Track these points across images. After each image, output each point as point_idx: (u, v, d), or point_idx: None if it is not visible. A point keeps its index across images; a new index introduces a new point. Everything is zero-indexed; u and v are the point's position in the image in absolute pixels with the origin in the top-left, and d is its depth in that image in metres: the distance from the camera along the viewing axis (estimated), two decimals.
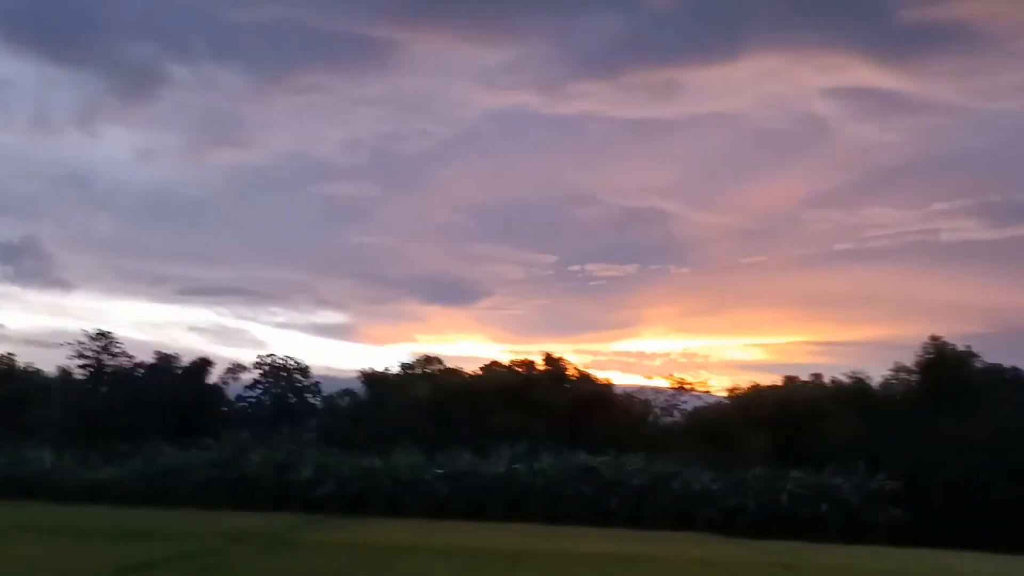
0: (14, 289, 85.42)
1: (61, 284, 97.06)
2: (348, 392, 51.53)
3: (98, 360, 41.32)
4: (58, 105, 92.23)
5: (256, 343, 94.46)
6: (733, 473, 30.50)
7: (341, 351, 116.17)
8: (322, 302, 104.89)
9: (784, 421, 33.32)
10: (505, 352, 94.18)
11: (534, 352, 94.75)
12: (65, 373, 44.57)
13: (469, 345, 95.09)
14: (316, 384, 52.40)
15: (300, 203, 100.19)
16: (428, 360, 52.87)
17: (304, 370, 51.21)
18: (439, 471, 30.97)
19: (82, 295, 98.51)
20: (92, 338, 41.30)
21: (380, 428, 42.10)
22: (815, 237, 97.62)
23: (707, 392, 49.63)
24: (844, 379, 36.84)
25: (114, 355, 41.57)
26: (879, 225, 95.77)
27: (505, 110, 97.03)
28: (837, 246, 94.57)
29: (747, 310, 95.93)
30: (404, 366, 51.38)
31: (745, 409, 36.77)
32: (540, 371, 49.56)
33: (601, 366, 51.67)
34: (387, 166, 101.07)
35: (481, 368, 48.21)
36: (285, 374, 51.86)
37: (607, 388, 48.79)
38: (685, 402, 49.54)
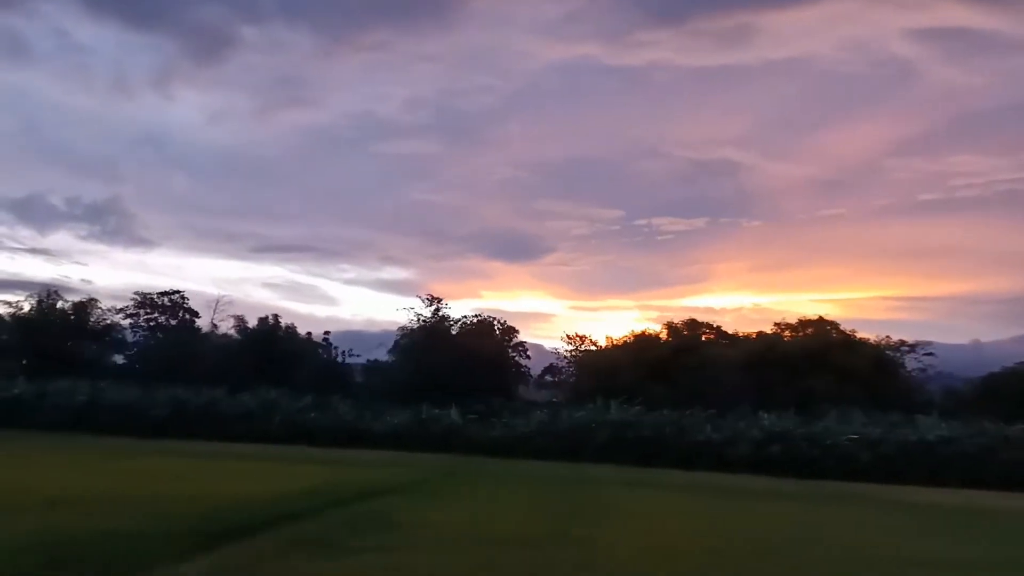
0: (101, 247, 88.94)
1: (143, 242, 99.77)
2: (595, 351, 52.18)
3: (428, 322, 42.88)
4: (135, 69, 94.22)
5: (327, 299, 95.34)
6: None
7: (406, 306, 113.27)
8: (387, 259, 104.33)
9: None
10: (570, 308, 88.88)
11: (600, 307, 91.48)
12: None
13: (533, 302, 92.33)
14: (522, 344, 53.04)
15: (365, 161, 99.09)
16: (692, 323, 53.07)
17: (510, 330, 51.84)
18: (853, 435, 30.88)
19: (162, 252, 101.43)
20: (425, 303, 42.94)
21: (694, 389, 42.55)
22: (898, 187, 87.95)
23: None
24: None
25: (441, 318, 43.11)
26: (967, 174, 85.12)
27: (568, 62, 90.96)
28: (922, 196, 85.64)
29: (823, 265, 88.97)
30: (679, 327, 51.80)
31: None
32: (815, 333, 49.28)
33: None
34: (450, 123, 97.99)
35: (785, 331, 48.09)
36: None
37: (876, 349, 48.23)
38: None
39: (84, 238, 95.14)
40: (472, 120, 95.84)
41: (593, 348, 52.16)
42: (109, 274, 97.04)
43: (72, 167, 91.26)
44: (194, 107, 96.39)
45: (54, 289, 46.55)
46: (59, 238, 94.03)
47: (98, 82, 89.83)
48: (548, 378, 56.97)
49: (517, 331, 51.79)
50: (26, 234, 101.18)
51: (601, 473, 26.16)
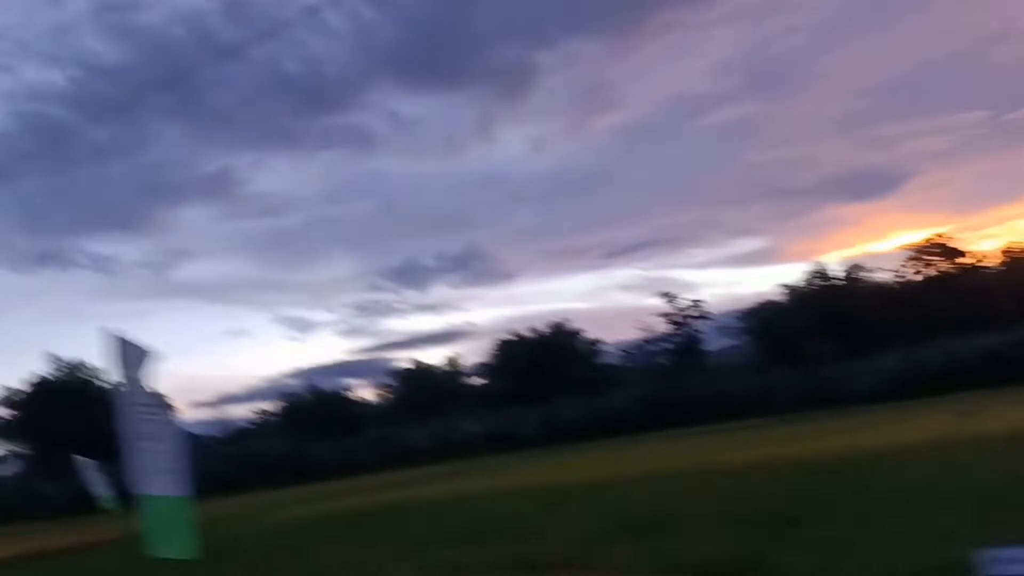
0: (473, 291, 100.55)
1: (505, 277, 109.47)
2: None
3: None
4: (459, 125, 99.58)
5: (684, 286, 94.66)
6: None
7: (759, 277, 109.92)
8: (735, 232, 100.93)
9: None
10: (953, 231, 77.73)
11: (985, 223, 79.80)
12: None
13: (906, 237, 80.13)
14: None
15: (686, 142, 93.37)
16: None
17: None
18: None
19: (522, 281, 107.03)
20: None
21: None
22: None
23: None
24: None
25: None
26: None
27: None
28: None
29: None
30: None
31: None
32: None
33: None
34: (763, 76, 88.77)
35: None
36: None
37: None
38: None
39: (457, 286, 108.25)
40: (785, 65, 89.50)
41: None
42: (486, 313, 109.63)
43: (431, 227, 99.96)
44: (515, 142, 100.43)
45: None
46: (437, 292, 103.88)
47: (430, 146, 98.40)
48: None
49: None
50: (410, 295, 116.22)
51: None
